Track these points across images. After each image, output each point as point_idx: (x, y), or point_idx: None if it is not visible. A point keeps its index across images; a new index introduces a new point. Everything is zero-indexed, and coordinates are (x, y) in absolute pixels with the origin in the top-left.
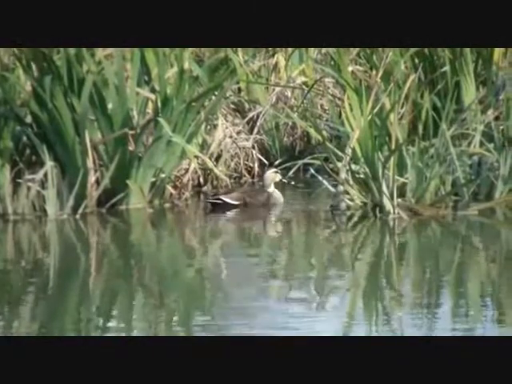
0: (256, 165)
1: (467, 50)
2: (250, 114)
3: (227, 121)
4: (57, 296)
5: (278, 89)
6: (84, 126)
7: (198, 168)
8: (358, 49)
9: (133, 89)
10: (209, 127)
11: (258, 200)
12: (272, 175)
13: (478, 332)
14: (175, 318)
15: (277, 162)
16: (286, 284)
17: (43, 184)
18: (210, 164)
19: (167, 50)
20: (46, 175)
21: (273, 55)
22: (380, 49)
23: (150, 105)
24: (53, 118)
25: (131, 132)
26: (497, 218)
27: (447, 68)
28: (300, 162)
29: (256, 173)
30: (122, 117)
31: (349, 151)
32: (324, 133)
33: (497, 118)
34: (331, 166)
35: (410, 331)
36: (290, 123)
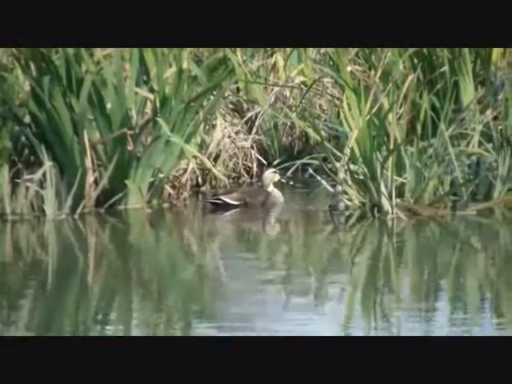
0: (254, 165)
1: (466, 50)
2: (249, 114)
3: (226, 121)
4: (55, 296)
5: (276, 89)
6: (82, 126)
7: (196, 168)
8: (356, 49)
9: (131, 89)
10: (207, 127)
11: (259, 200)
12: (271, 175)
13: (477, 332)
14: (174, 318)
15: (275, 162)
16: (285, 284)
17: (42, 184)
18: (209, 164)
19: (166, 49)
20: (44, 175)
21: (271, 55)
22: (379, 49)
23: (149, 105)
24: (51, 117)
25: (130, 132)
26: (495, 218)
27: (446, 68)
28: (298, 162)
29: (254, 173)
30: (121, 117)
31: (347, 151)
32: (322, 133)
33: (495, 118)
34: (330, 165)
35: (408, 331)
36: (289, 123)
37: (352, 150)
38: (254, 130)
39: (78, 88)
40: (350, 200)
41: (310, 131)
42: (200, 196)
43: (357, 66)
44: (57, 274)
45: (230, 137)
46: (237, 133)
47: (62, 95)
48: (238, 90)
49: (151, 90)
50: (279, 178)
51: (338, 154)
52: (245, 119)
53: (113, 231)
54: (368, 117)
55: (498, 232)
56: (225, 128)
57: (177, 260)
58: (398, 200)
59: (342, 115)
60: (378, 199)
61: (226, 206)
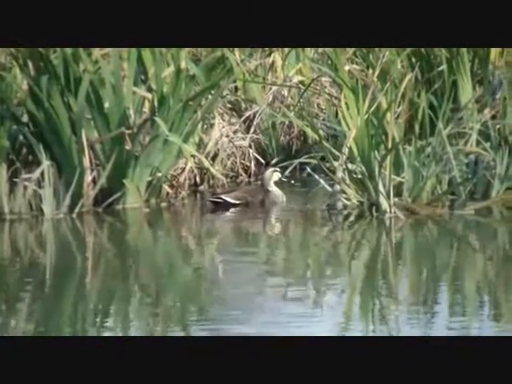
0: (252, 164)
1: (464, 50)
2: (247, 113)
3: (224, 120)
4: (53, 295)
5: (274, 88)
6: (81, 125)
7: (194, 167)
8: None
9: (129, 88)
10: (205, 126)
11: (260, 199)
12: (272, 174)
13: (475, 332)
14: (171, 318)
15: (273, 161)
16: (283, 284)
17: (40, 183)
18: (207, 163)
19: (164, 49)
20: (42, 174)
21: (269, 54)
22: (376, 48)
23: (147, 104)
24: (49, 117)
25: (128, 131)
26: (493, 217)
27: (444, 67)
28: (297, 161)
29: (252, 172)
30: (119, 116)
31: (345, 150)
32: (321, 132)
33: (493, 117)
34: (328, 165)
35: (406, 331)
36: (287, 122)
37: (350, 149)
38: (252, 129)
39: (76, 87)
40: (348, 199)
41: (308, 130)
42: (198, 195)
43: (355, 65)
44: (55, 273)
45: (227, 136)
46: (235, 132)
47: (60, 94)
48: (236, 89)
49: (149, 90)
50: (280, 176)
51: (336, 153)
52: (243, 118)
53: (111, 230)
54: (366, 116)
55: (496, 231)
56: (223, 127)
57: (175, 259)
58: (396, 199)
59: (340, 114)
60: (376, 198)
61: (227, 205)
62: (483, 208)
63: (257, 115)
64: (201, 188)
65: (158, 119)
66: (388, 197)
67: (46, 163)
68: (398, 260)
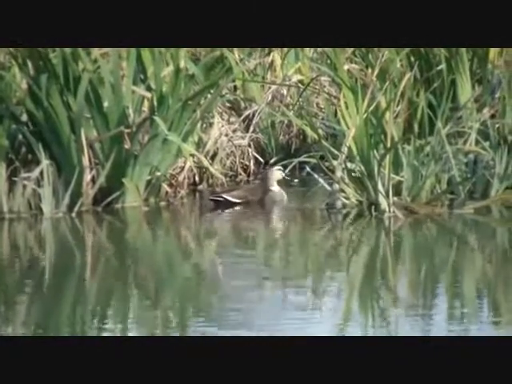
0: (252, 163)
1: (463, 49)
2: (246, 113)
3: (223, 119)
4: (52, 295)
5: (273, 87)
6: (80, 125)
7: (193, 166)
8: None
9: (129, 87)
10: (204, 125)
11: (261, 198)
12: (276, 173)
13: (475, 332)
14: (171, 318)
15: (272, 161)
16: (282, 284)
17: (39, 182)
18: (206, 162)
19: (163, 48)
20: (41, 173)
21: (269, 54)
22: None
23: (146, 103)
24: (48, 116)
25: (127, 130)
26: (493, 216)
27: (443, 66)
28: (296, 160)
29: (252, 171)
30: (118, 115)
31: (344, 149)
32: (320, 131)
33: (493, 116)
34: (327, 164)
35: (405, 331)
36: (286, 121)
37: (349, 148)
38: (252, 129)
39: (75, 86)
40: (348, 198)
41: (308, 129)
42: (197, 194)
43: (354, 65)
44: (54, 272)
45: (227, 135)
46: (234, 131)
47: (59, 93)
48: (235, 88)
49: (148, 89)
50: (283, 175)
51: (336, 152)
52: (242, 117)
53: (110, 229)
54: (365, 115)
55: (495, 230)
56: (222, 126)
57: (174, 258)
58: (395, 198)
59: (339, 113)
60: (375, 197)
61: (227, 204)
62: (482, 207)
63: (256, 114)
64: (200, 187)
65: (157, 118)
66: (387, 196)
67: (45, 162)
68: (397, 259)
